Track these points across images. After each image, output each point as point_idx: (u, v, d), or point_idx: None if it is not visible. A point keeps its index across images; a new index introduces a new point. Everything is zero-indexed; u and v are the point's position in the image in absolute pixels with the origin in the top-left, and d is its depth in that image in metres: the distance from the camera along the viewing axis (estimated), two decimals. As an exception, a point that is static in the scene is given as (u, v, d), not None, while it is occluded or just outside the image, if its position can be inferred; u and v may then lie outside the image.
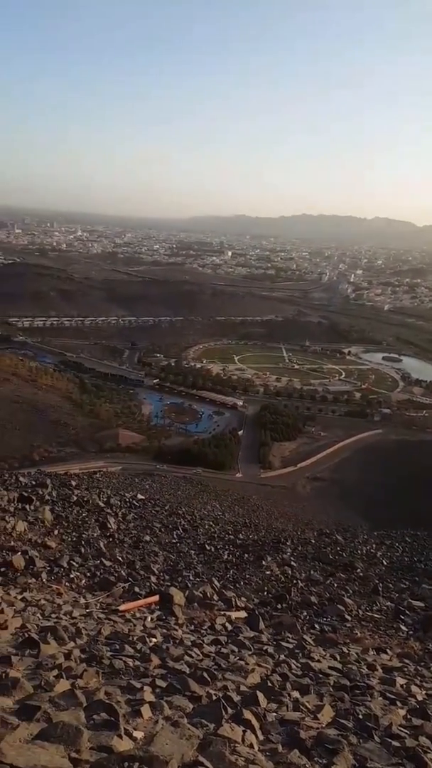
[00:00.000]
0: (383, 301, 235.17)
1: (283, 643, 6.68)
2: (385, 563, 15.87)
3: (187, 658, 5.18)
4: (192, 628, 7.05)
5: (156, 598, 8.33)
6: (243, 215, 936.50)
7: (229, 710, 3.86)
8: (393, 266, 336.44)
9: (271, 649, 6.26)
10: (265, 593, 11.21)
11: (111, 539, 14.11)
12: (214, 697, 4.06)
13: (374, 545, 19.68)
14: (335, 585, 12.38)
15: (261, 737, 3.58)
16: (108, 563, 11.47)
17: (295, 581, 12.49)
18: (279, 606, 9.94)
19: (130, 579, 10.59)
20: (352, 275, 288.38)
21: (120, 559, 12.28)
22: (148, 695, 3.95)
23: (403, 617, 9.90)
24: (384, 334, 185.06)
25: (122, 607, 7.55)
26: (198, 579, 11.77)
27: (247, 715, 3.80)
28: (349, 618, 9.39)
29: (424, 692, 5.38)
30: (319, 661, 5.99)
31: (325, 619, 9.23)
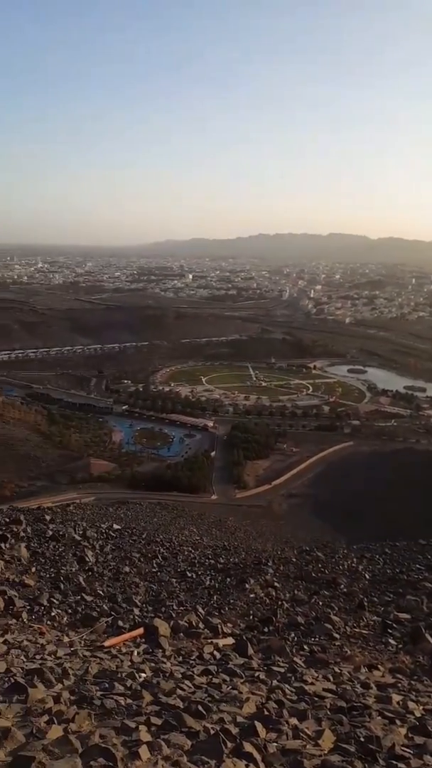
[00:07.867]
0: (344, 314, 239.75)
1: (274, 668, 6.56)
2: (367, 577, 15.84)
3: (179, 691, 5.04)
4: (180, 659, 6.88)
5: (141, 630, 8.13)
6: (201, 238, 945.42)
7: (229, 744, 3.77)
8: (351, 280, 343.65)
9: (262, 675, 6.14)
10: (251, 617, 11.05)
11: (90, 573, 13.77)
12: (212, 732, 3.95)
13: (355, 559, 19.62)
14: (320, 603, 12.28)
15: (264, 770, 3.49)
16: (89, 598, 11.16)
17: (280, 602, 12.36)
18: (266, 629, 9.80)
19: (113, 613, 10.32)
20: (312, 291, 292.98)
21: (101, 593, 11.98)
22: (144, 735, 3.83)
23: (390, 631, 9.87)
24: (347, 347, 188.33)
25: (107, 643, 7.34)
26: (182, 608, 11.54)
27: (248, 747, 3.72)
28: (337, 636, 9.31)
29: (421, 708, 5.34)
30: (312, 683, 5.90)
31: (313, 639, 9.13)
